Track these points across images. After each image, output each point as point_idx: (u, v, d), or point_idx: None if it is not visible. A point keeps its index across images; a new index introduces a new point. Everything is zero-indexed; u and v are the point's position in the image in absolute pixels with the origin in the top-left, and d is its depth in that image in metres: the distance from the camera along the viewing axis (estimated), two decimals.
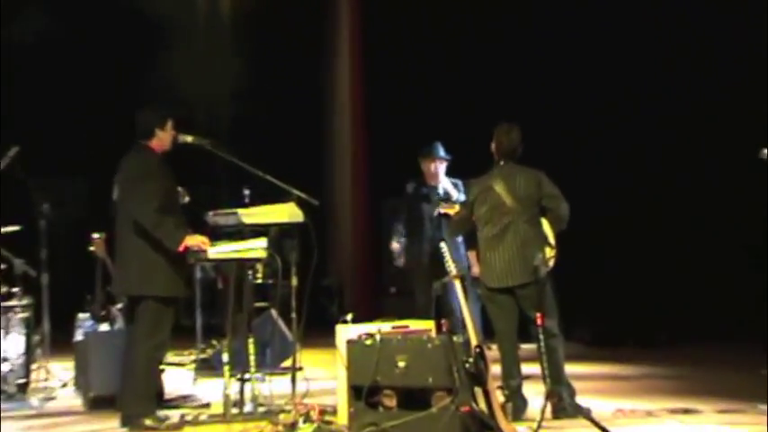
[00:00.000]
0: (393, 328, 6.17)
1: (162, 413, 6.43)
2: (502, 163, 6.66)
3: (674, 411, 6.63)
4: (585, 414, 6.19)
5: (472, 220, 6.79)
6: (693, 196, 11.37)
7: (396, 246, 8.66)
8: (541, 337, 6.07)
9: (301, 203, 6.51)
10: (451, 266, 5.95)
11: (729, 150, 10.48)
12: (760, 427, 6.09)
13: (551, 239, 6.65)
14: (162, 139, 6.45)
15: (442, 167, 8.59)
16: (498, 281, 6.54)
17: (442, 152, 8.68)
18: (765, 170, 6.59)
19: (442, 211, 7.50)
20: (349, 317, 6.32)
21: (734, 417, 6.44)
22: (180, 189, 6.68)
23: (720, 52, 11.09)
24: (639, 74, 11.62)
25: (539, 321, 6.06)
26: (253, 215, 6.58)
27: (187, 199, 6.95)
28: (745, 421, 6.29)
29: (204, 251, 6.26)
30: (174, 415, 6.58)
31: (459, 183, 8.59)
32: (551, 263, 6.57)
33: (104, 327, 8.00)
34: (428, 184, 8.62)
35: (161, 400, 6.93)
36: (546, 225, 6.65)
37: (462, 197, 7.98)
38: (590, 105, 11.70)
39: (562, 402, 6.32)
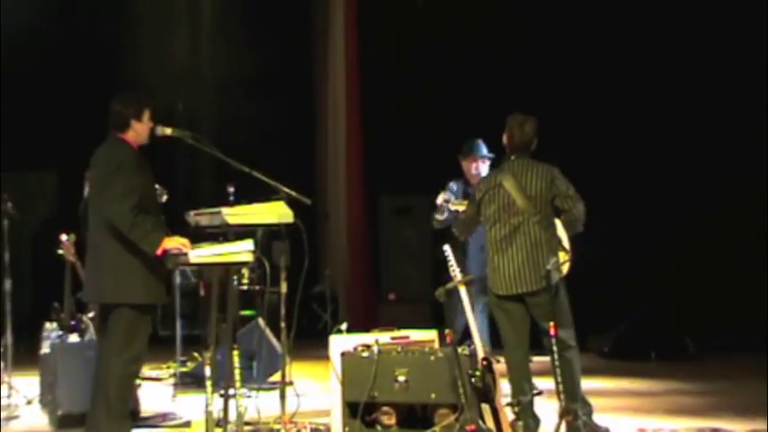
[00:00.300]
0: (392, 338, 6.18)
1: None
2: (513, 158, 6.66)
3: (701, 431, 6.64)
4: None
5: (479, 220, 6.80)
6: (727, 196, 11.42)
7: (441, 199, 8.28)
8: (555, 348, 6.05)
9: (291, 202, 6.51)
10: (456, 272, 5.96)
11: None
12: None
13: (566, 243, 6.65)
14: (138, 131, 6.44)
15: (484, 167, 8.58)
16: (507, 287, 6.54)
17: (484, 150, 8.64)
18: None
19: (453, 207, 7.48)
20: (344, 326, 6.33)
21: None
22: (158, 186, 6.68)
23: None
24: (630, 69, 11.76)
25: (552, 332, 6.04)
26: (238, 215, 6.57)
27: (166, 197, 6.94)
28: None
29: (185, 254, 6.26)
30: None
31: None
32: (566, 268, 6.57)
33: (74, 338, 7.99)
34: (472, 184, 8.57)
35: (136, 419, 6.93)
36: (560, 227, 6.65)
37: None
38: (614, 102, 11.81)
39: (578, 421, 6.32)
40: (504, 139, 6.73)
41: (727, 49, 11.33)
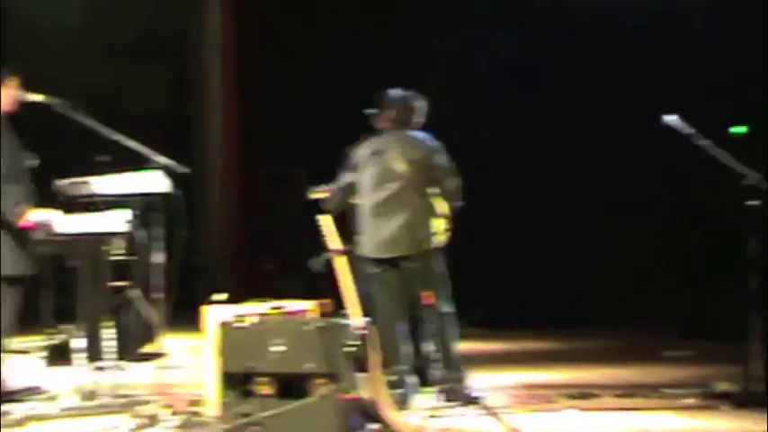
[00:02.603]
0: (269, 309, 6.16)
1: (2, 407, 6.28)
2: (394, 129, 6.70)
3: (571, 396, 6.81)
4: (479, 402, 6.30)
5: (355, 188, 6.80)
6: (595, 173, 11.70)
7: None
8: (430, 317, 6.12)
9: (167, 171, 6.43)
10: (333, 242, 5.97)
11: (634, 119, 10.80)
12: (660, 412, 6.32)
13: (445, 212, 6.73)
14: (6, 97, 6.28)
15: None
16: (383, 251, 6.56)
17: None
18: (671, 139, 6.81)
19: (312, 196, 7.41)
20: (221, 297, 6.28)
21: (634, 401, 6.65)
22: (27, 154, 6.52)
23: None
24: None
25: (426, 300, 6.11)
26: (111, 184, 6.47)
27: (36, 162, 6.77)
28: (645, 406, 6.51)
29: (55, 225, 6.13)
30: (16, 409, 6.44)
31: None
32: (444, 237, 6.65)
33: None
34: None
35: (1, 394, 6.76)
36: (440, 198, 6.73)
37: None
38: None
39: (454, 389, 6.41)
40: (383, 113, 6.76)
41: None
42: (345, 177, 6.90)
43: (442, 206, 6.73)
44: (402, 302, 6.64)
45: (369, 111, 6.88)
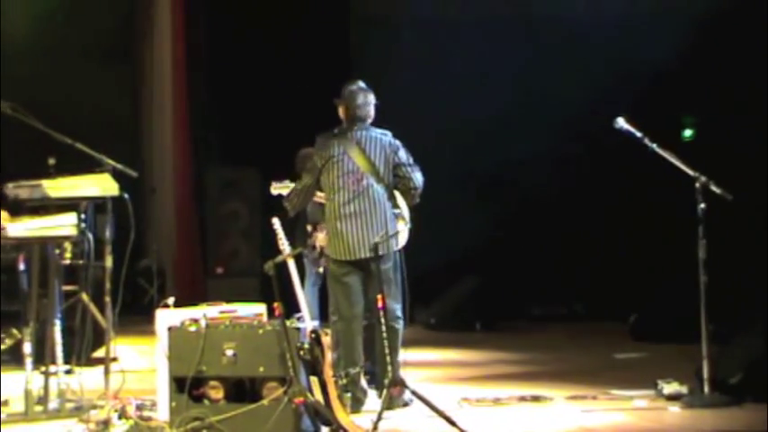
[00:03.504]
0: (220, 312, 6.14)
1: None
2: (355, 128, 6.69)
3: (523, 398, 6.84)
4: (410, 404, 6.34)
5: (316, 190, 6.77)
6: (543, 168, 11.80)
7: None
8: (383, 320, 6.12)
9: (117, 175, 6.38)
10: (285, 244, 5.95)
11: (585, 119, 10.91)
12: (613, 414, 6.37)
13: (405, 213, 6.75)
14: None
15: None
16: (350, 253, 6.54)
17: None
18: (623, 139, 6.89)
19: (274, 191, 7.37)
20: (170, 300, 6.25)
21: (585, 403, 6.69)
22: None
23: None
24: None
25: (381, 303, 6.11)
26: (60, 187, 6.40)
27: None
28: (596, 407, 6.56)
29: (2, 228, 6.07)
30: None
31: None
32: (403, 237, 6.67)
33: None
34: None
35: None
36: (400, 198, 6.74)
37: None
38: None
39: (405, 391, 6.39)
40: (341, 111, 6.75)
41: None
42: (306, 178, 6.84)
43: (402, 206, 6.74)
44: (360, 305, 6.64)
45: (337, 101, 6.87)
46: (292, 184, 7.03)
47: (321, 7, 12.18)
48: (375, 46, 12.23)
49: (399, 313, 6.60)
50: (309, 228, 7.96)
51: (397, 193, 6.74)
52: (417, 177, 6.71)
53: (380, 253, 6.32)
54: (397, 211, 6.70)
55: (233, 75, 12.46)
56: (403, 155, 6.70)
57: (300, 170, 8.49)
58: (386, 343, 6.09)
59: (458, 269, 11.72)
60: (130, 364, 7.69)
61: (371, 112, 6.75)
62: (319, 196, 6.92)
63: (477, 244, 11.80)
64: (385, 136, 6.72)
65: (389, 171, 6.66)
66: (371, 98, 6.75)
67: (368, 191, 6.58)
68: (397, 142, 6.71)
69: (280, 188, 7.25)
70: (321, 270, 8.16)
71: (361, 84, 6.77)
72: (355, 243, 6.52)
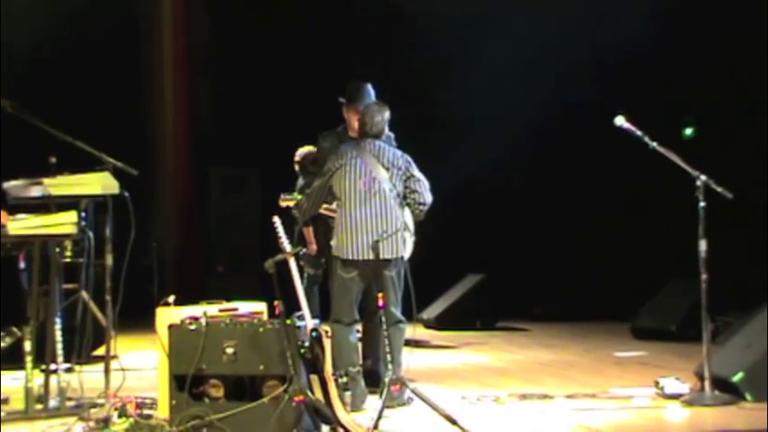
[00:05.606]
0: (220, 310, 6.13)
1: None
2: (368, 140, 6.70)
3: (523, 397, 6.83)
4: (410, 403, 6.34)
5: (328, 195, 6.77)
6: (552, 174, 11.82)
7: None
8: (383, 320, 6.14)
9: (117, 173, 6.38)
10: (285, 243, 5.94)
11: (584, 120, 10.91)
12: (613, 413, 6.37)
13: (411, 225, 6.75)
14: None
15: None
16: (360, 253, 6.54)
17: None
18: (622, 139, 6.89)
19: (282, 203, 7.39)
20: (171, 299, 6.24)
21: (585, 402, 6.69)
22: None
23: None
24: None
25: (382, 303, 6.12)
26: (61, 186, 6.40)
27: None
28: (596, 406, 6.55)
29: (3, 226, 6.06)
30: None
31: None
32: (409, 248, 6.68)
33: None
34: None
35: None
36: (406, 210, 6.75)
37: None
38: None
39: (405, 389, 6.39)
40: (357, 125, 6.77)
41: None
42: (317, 183, 6.83)
43: (408, 219, 6.75)
44: (359, 304, 6.65)
45: (341, 99, 6.84)
46: (300, 196, 7.05)
47: (321, 7, 12.19)
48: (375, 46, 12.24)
49: (400, 316, 6.60)
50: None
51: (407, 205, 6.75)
52: (426, 195, 6.72)
53: (387, 256, 6.35)
54: (407, 225, 6.71)
55: (233, 75, 12.49)
56: (415, 170, 6.72)
57: (300, 169, 8.52)
58: (387, 341, 6.11)
59: (459, 268, 11.73)
60: (131, 361, 7.69)
61: (386, 129, 6.79)
62: (326, 209, 6.93)
63: (478, 243, 11.82)
64: (398, 150, 6.75)
65: (401, 181, 6.67)
66: (387, 114, 6.77)
67: (379, 194, 6.57)
68: (408, 156, 6.73)
69: (288, 200, 7.29)
70: (319, 272, 8.19)
71: (377, 101, 6.84)
72: (364, 243, 6.51)
